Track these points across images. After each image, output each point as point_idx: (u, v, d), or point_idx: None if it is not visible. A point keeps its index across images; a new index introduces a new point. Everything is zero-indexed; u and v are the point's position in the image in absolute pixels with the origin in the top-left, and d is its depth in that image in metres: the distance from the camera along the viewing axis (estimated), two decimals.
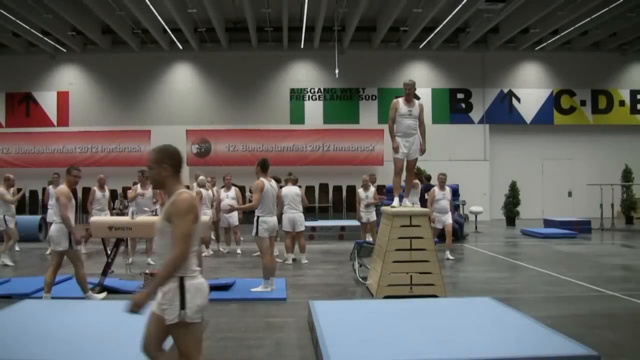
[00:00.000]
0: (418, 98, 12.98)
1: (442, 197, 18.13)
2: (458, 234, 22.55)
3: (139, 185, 17.78)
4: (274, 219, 12.65)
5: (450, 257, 17.71)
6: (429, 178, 22.55)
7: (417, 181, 20.22)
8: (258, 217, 12.35)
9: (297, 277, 14.74)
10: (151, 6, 26.06)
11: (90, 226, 13.48)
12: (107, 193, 19.68)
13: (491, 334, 7.96)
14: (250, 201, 14.60)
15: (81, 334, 8.08)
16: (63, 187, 11.35)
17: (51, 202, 19.69)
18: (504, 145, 34.67)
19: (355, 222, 22.54)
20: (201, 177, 19.51)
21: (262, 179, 12.55)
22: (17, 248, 20.45)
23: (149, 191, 17.58)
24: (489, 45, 33.67)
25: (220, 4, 28.61)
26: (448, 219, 18.15)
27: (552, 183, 34.84)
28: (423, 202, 20.46)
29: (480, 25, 30.29)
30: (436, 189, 18.24)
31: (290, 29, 30.45)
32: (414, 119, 12.34)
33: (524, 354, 7.07)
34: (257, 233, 12.36)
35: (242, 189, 24.90)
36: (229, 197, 19.17)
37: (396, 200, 12.47)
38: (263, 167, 12.71)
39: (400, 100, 12.43)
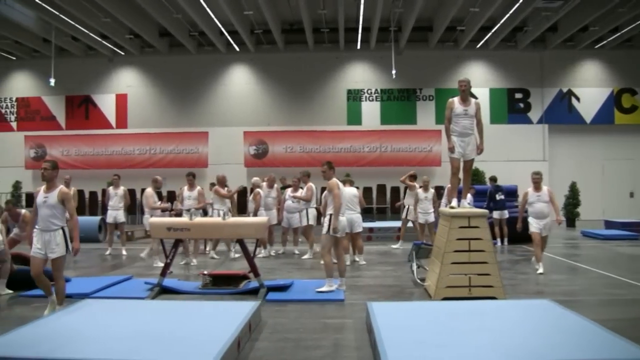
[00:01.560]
0: (475, 97, 12.79)
1: (536, 199, 15.61)
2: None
3: (185, 187, 17.91)
4: (344, 219, 12.74)
5: (541, 271, 15.26)
6: (494, 179, 22.33)
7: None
8: (331, 215, 12.34)
9: (354, 278, 14.69)
10: (208, 9, 26.21)
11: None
12: (120, 191, 20.27)
13: (550, 337, 7.82)
14: (321, 202, 14.72)
15: (140, 333, 8.12)
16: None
17: (111, 203, 19.92)
18: (563, 145, 34.17)
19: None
20: (255, 179, 19.59)
21: (334, 178, 12.63)
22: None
23: (195, 192, 17.71)
24: (547, 44, 33.25)
25: (276, 6, 28.68)
26: (547, 226, 15.66)
27: (613, 184, 34.26)
28: (496, 204, 20.39)
29: (539, 24, 29.90)
30: (530, 190, 15.77)
31: (347, 29, 30.39)
32: (470, 118, 12.10)
33: (584, 357, 6.93)
34: (328, 231, 12.32)
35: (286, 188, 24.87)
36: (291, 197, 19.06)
37: (454, 202, 12.31)
38: (332, 167, 12.87)
39: (456, 99, 12.26)
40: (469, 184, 12.97)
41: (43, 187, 10.35)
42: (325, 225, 12.34)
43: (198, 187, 18.02)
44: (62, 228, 10.29)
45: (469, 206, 12.53)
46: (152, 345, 7.59)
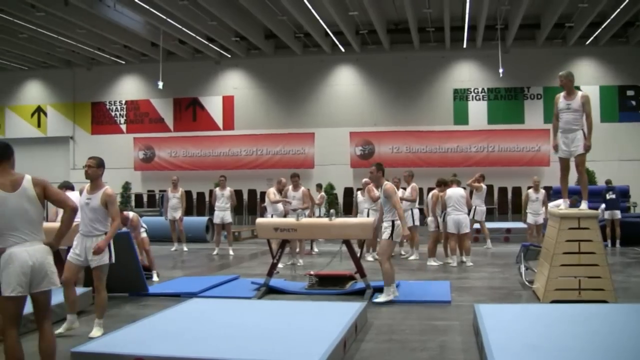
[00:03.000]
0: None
1: None
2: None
3: (290, 187, 17.99)
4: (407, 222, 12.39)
5: None
6: (609, 182, 21.81)
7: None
8: (393, 221, 11.82)
9: (461, 279, 14.55)
10: (313, 10, 26.33)
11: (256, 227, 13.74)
12: (227, 192, 20.45)
13: None
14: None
15: (246, 333, 8.20)
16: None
17: (218, 204, 20.18)
18: None
19: (521, 224, 22.07)
20: (366, 180, 19.57)
21: (389, 182, 12.24)
22: (185, 248, 21.09)
23: (299, 193, 17.80)
24: None
25: (381, 6, 28.62)
26: None
27: None
28: (607, 204, 19.90)
29: None
30: None
31: (452, 28, 30.12)
32: (573, 112, 11.47)
33: None
34: (391, 236, 11.88)
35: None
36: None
37: (564, 202, 11.96)
38: (381, 168, 12.24)
39: (561, 94, 11.64)
40: (585, 184, 12.24)
41: (87, 187, 9.43)
42: (387, 231, 12.01)
43: (302, 188, 18.12)
44: (106, 234, 9.27)
45: (585, 208, 11.98)
46: (258, 344, 7.65)
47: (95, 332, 9.03)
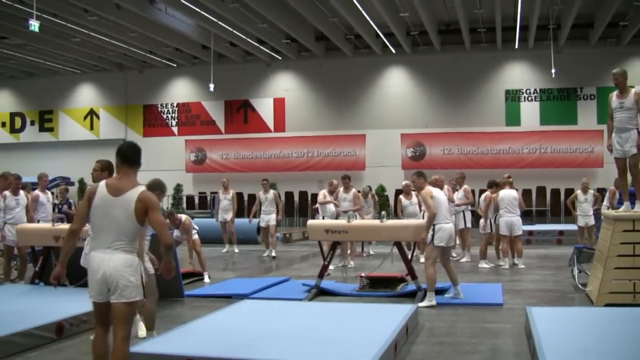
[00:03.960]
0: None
1: None
2: None
3: (341, 189, 17.98)
4: (450, 225, 12.12)
5: None
6: None
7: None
8: (434, 225, 11.68)
9: (513, 282, 14.45)
10: (363, 11, 26.28)
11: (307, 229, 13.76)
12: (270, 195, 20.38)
13: None
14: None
15: (297, 334, 8.22)
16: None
17: (263, 207, 20.19)
18: None
19: (574, 226, 21.84)
20: (406, 182, 19.49)
21: (427, 186, 12.12)
22: (236, 250, 21.19)
23: (350, 194, 17.79)
24: None
25: (431, 7, 28.47)
26: None
27: None
28: None
29: None
30: None
31: (504, 28, 29.83)
32: (626, 111, 11.13)
33: None
34: (432, 241, 11.75)
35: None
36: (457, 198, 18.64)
37: (625, 205, 11.61)
38: (422, 175, 12.07)
39: (614, 93, 11.34)
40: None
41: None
42: (429, 236, 11.88)
43: (353, 190, 18.10)
44: None
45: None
46: (309, 346, 7.66)
47: (139, 331, 9.10)
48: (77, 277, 10.33)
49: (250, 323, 8.96)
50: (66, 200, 19.83)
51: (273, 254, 20.01)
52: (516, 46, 31.56)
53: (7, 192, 13.80)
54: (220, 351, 7.28)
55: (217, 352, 7.26)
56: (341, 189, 17.99)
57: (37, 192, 15.27)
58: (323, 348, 7.59)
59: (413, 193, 17.85)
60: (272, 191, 20.54)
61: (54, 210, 18.64)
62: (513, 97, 33.06)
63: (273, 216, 20.13)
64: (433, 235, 11.62)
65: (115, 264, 6.24)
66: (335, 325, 8.88)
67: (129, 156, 6.52)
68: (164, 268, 6.45)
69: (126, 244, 6.31)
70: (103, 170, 8.90)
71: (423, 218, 17.76)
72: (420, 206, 18.23)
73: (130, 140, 6.82)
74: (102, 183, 6.51)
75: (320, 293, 12.51)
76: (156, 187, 8.94)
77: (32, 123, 39.40)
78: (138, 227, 6.33)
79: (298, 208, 34.24)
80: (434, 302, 11.47)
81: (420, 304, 11.37)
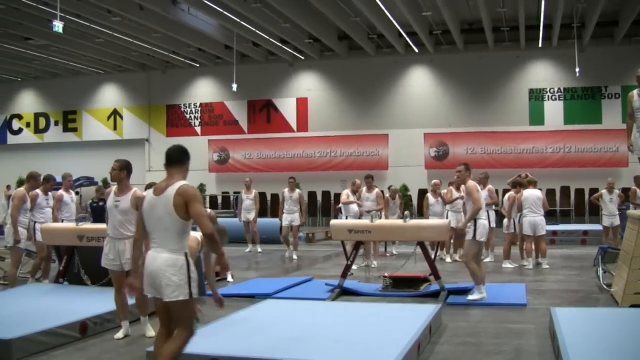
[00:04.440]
0: None
1: None
2: None
3: (364, 189, 17.96)
4: (487, 222, 12.19)
5: None
6: None
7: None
8: (476, 220, 11.76)
9: (538, 282, 14.38)
10: (386, 11, 26.23)
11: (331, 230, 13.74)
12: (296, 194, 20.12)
13: None
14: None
15: (320, 334, 8.22)
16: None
17: (286, 207, 20.12)
18: None
19: (599, 227, 21.71)
20: (435, 181, 19.43)
21: (472, 181, 12.11)
22: (259, 250, 21.21)
23: (373, 194, 17.77)
24: None
25: (455, 6, 28.36)
26: None
27: None
28: None
29: None
30: None
31: (528, 27, 29.65)
32: None
33: None
34: (474, 237, 11.83)
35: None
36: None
37: None
38: (469, 169, 12.18)
39: (636, 92, 11.13)
40: None
41: (115, 189, 9.31)
42: (470, 230, 11.85)
43: (377, 189, 18.09)
44: None
45: None
46: (332, 346, 7.66)
47: (148, 331, 9.21)
48: (99, 276, 10.37)
49: (273, 323, 8.97)
50: (103, 200, 19.67)
51: (294, 255, 19.86)
52: (540, 45, 31.40)
53: (39, 192, 13.90)
54: (244, 351, 7.30)
55: (240, 351, 7.27)
56: (364, 188, 17.97)
57: (61, 192, 15.34)
58: (346, 348, 7.59)
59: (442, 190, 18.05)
60: (297, 190, 20.26)
61: (91, 207, 18.85)
62: (537, 96, 32.88)
63: (297, 216, 19.88)
64: (475, 231, 11.62)
65: (159, 263, 6.33)
66: (358, 326, 8.87)
67: (172, 157, 6.66)
68: (219, 263, 6.90)
69: (171, 243, 6.38)
70: (122, 169, 9.17)
71: (447, 217, 17.85)
72: (445, 205, 18.29)
73: (177, 144, 6.93)
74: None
75: (343, 293, 12.52)
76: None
77: (57, 123, 39.63)
78: (181, 222, 6.36)
79: (321, 208, 34.23)
80: (484, 295, 11.51)
81: (471, 297, 11.45)
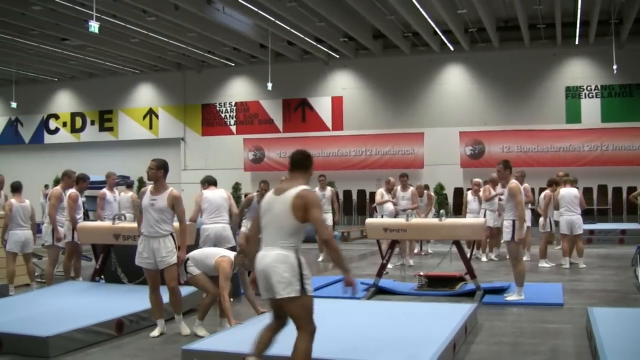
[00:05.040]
0: None
1: None
2: None
3: (399, 188, 17.90)
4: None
5: None
6: None
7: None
8: (514, 221, 11.63)
9: (574, 282, 14.28)
10: (421, 9, 26.16)
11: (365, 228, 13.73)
12: (328, 193, 19.64)
13: None
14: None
15: (355, 333, 8.22)
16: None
17: None
18: None
19: (637, 226, 21.50)
20: (477, 180, 19.33)
21: (515, 181, 11.99)
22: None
23: (409, 193, 17.72)
24: None
25: (490, 4, 28.18)
26: None
27: None
28: None
29: None
30: None
31: (564, 24, 29.43)
32: None
33: None
34: (513, 238, 11.69)
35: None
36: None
37: None
38: (509, 166, 12.05)
39: None
40: None
41: (150, 188, 9.41)
42: (508, 230, 11.68)
43: (412, 188, 18.05)
44: (172, 234, 9.35)
45: None
46: (367, 345, 7.65)
47: (184, 329, 9.31)
48: (136, 275, 10.43)
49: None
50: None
51: (321, 259, 18.96)
52: (577, 42, 31.15)
53: (77, 192, 14.07)
54: (277, 349, 7.29)
55: (274, 350, 7.26)
56: (399, 187, 17.91)
57: (104, 190, 15.49)
58: (381, 347, 7.57)
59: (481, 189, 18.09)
60: (329, 189, 19.66)
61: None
62: (574, 94, 32.59)
63: (329, 216, 18.80)
64: (513, 232, 11.54)
65: (269, 260, 6.42)
66: (393, 325, 8.86)
67: (298, 162, 6.91)
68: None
69: (284, 241, 6.45)
70: (159, 169, 9.25)
71: (485, 216, 17.78)
72: (481, 203, 18.23)
73: (301, 149, 7.23)
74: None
75: (379, 292, 12.52)
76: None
77: (93, 123, 39.97)
78: (296, 224, 6.45)
79: (356, 207, 34.22)
80: (523, 297, 11.44)
81: (509, 297, 11.39)
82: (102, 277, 12.58)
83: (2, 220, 13.60)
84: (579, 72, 32.58)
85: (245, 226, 13.55)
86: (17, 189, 13.83)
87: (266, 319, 7.00)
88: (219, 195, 12.73)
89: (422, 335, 8.02)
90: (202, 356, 7.45)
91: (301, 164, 6.87)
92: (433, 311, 9.93)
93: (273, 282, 6.34)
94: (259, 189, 14.70)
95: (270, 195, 6.71)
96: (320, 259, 19.12)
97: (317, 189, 19.11)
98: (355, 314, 9.82)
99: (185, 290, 10.32)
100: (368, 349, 7.50)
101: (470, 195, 18.96)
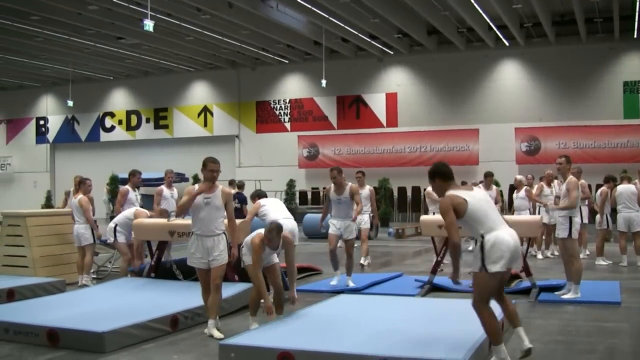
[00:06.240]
0: None
1: None
2: None
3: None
4: (577, 219, 11.85)
5: None
6: None
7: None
8: (571, 217, 11.47)
9: (632, 280, 14.04)
10: (475, 4, 25.99)
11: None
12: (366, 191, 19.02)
13: None
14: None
15: (398, 329, 8.19)
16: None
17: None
18: None
19: None
20: (519, 177, 19.04)
21: (573, 176, 11.83)
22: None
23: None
24: None
25: None
26: None
27: None
28: None
29: None
30: None
31: (622, 17, 29.02)
32: None
33: None
34: (570, 234, 11.49)
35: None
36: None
37: None
38: (570, 161, 11.83)
39: None
40: None
41: (201, 187, 9.06)
42: (564, 227, 11.49)
43: (466, 185, 17.89)
44: (225, 232, 9.14)
45: None
46: (411, 341, 7.62)
47: (215, 333, 9.05)
48: (191, 271, 10.50)
49: (347, 318, 8.97)
50: (238, 196, 18.05)
51: (366, 261, 16.55)
52: (635, 36, 30.68)
53: (128, 187, 14.33)
54: (315, 345, 7.30)
55: (311, 345, 7.28)
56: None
57: (162, 187, 15.62)
58: (426, 342, 7.55)
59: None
60: (367, 187, 17.40)
61: None
62: (632, 88, 32.10)
63: (366, 217, 16.40)
64: (570, 229, 11.39)
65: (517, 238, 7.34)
66: (445, 322, 8.81)
67: (449, 175, 7.59)
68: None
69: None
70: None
71: (539, 213, 17.58)
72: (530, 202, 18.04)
73: (439, 161, 7.91)
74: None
75: (433, 289, 12.43)
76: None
77: (148, 120, 40.49)
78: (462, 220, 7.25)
79: (411, 203, 34.13)
80: (579, 295, 11.32)
81: (566, 296, 11.26)
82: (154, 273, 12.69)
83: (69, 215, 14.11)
84: (637, 66, 32.10)
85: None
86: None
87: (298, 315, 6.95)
88: (274, 201, 12.80)
89: (468, 330, 7.98)
90: (239, 351, 7.47)
91: (452, 175, 7.58)
92: None
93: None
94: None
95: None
96: (361, 261, 16.38)
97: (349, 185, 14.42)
98: (398, 309, 9.76)
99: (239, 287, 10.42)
100: (410, 345, 7.41)
101: (516, 192, 18.76)
